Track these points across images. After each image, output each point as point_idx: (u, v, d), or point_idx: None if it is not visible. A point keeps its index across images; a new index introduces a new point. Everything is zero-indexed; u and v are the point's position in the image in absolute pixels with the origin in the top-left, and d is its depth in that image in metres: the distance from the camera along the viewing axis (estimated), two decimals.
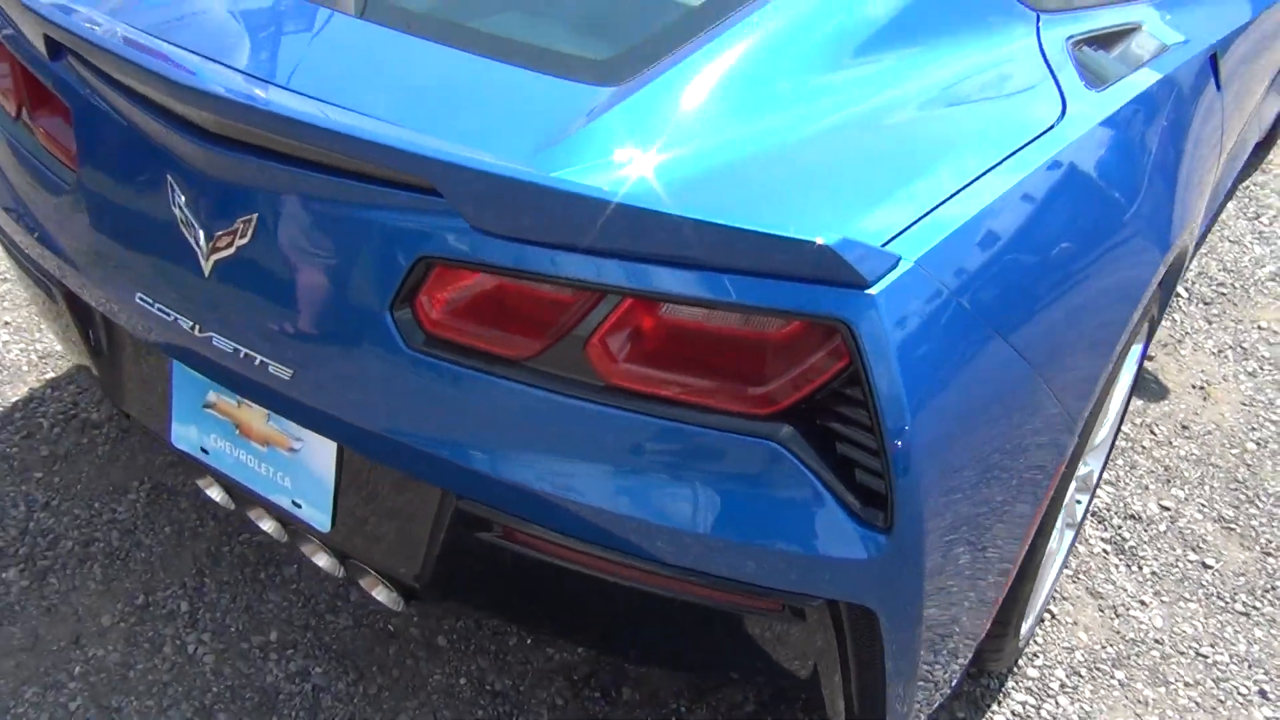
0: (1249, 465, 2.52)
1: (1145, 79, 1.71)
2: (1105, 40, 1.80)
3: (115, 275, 1.54)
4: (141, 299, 1.50)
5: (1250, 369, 2.85)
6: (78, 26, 1.39)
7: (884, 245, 1.16)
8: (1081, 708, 1.92)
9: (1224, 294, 3.15)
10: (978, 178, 1.32)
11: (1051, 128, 1.45)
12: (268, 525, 1.76)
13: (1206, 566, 2.24)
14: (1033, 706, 1.92)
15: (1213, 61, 1.99)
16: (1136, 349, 1.96)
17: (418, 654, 1.93)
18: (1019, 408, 1.34)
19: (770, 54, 1.45)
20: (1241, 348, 2.93)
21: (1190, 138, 1.85)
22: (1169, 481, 2.45)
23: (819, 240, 1.09)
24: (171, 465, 2.27)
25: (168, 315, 1.48)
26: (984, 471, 1.30)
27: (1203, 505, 2.39)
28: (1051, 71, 1.62)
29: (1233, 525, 2.35)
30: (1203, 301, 3.11)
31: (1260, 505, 2.40)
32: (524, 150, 1.27)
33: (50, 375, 2.49)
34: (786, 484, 1.20)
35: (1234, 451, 2.55)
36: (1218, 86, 2.02)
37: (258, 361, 1.40)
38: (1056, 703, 1.93)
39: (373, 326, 1.30)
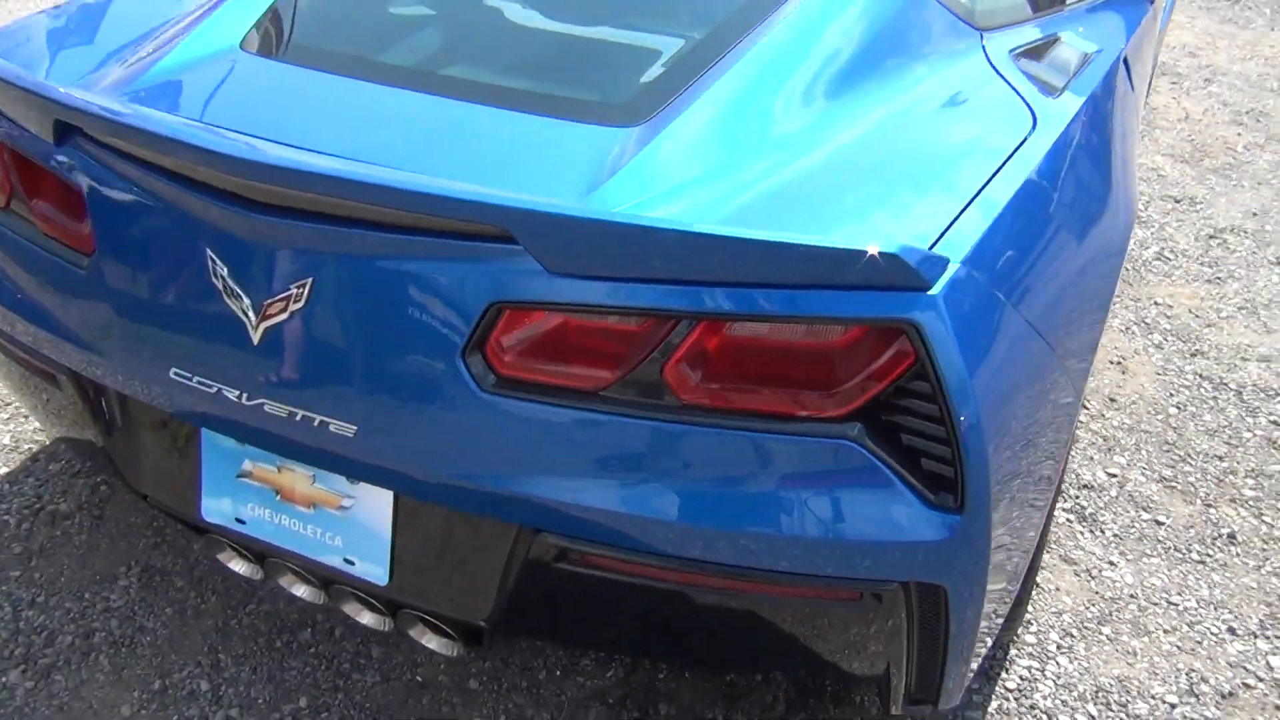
0: (1175, 428, 2.74)
1: (1086, 84, 1.88)
2: (1037, 52, 1.98)
3: (143, 353, 1.52)
4: (177, 374, 1.50)
5: (1156, 341, 3.09)
6: (111, 111, 1.39)
7: (936, 246, 1.27)
8: (1080, 665, 2.06)
9: (1124, 277, 3.41)
10: (987, 183, 1.44)
11: (1032, 132, 1.60)
12: (301, 590, 1.76)
13: (1159, 523, 2.43)
14: (1037, 669, 2.05)
15: (1125, 63, 2.20)
16: None
17: (452, 700, 1.94)
18: (1044, 384, 1.46)
19: (770, 86, 1.56)
20: (1145, 323, 3.18)
21: (1126, 130, 2.04)
22: (1110, 450, 2.65)
23: (874, 250, 1.18)
24: (157, 546, 2.22)
25: (209, 386, 1.48)
26: (1025, 445, 1.41)
27: (1144, 469, 2.59)
28: (1008, 82, 1.77)
29: (1173, 484, 2.55)
30: None
31: (1193, 463, 2.61)
32: (576, 193, 1.34)
33: (3, 470, 2.40)
34: (863, 478, 1.29)
35: (1159, 417, 2.77)
36: (1130, 86, 2.22)
37: (316, 422, 1.42)
38: (1057, 663, 2.07)
39: (444, 374, 1.33)
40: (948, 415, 1.25)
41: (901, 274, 1.21)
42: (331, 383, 1.39)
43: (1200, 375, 2.95)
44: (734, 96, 1.52)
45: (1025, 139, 1.56)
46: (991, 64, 1.83)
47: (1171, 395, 2.86)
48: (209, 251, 1.42)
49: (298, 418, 1.43)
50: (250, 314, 1.41)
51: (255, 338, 1.41)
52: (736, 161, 1.44)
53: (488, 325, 1.32)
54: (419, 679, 1.98)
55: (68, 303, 1.59)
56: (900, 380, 1.26)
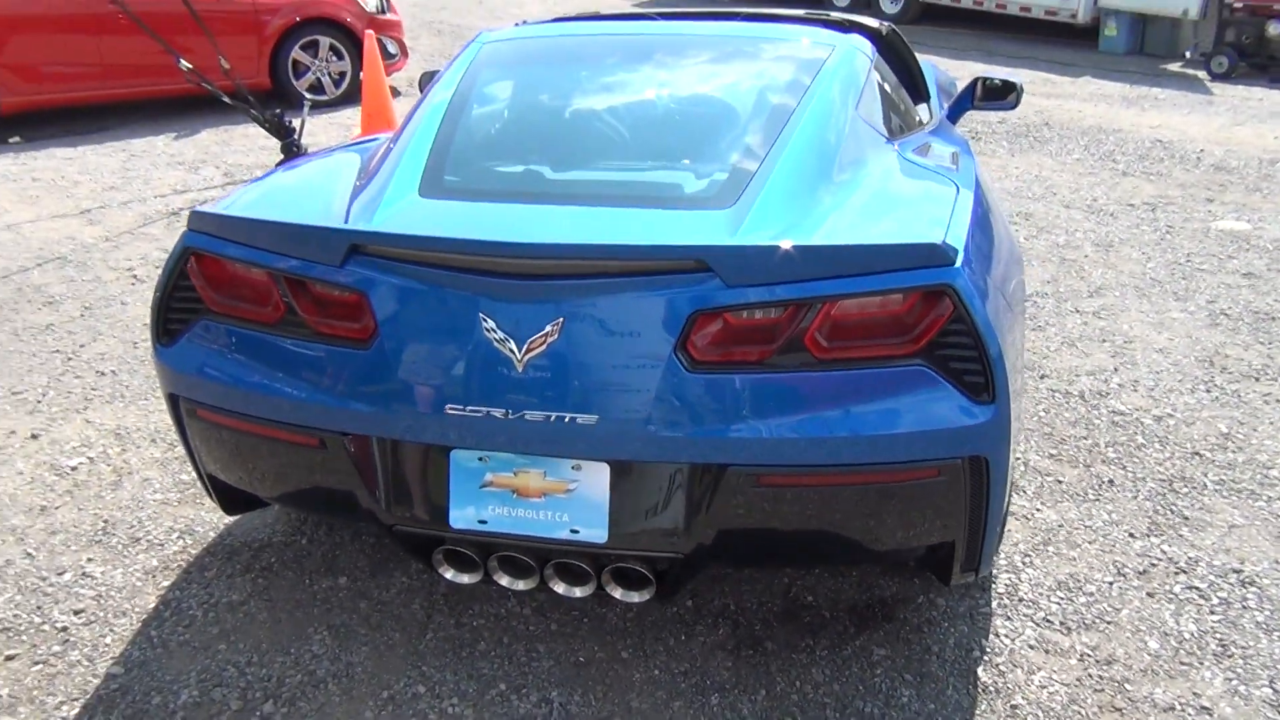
0: (1047, 424, 3.66)
1: (971, 166, 2.84)
2: (924, 150, 2.93)
3: (422, 400, 2.15)
4: (452, 409, 2.13)
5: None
6: (406, 236, 2.09)
7: (947, 241, 2.11)
8: (1041, 571, 2.86)
9: None
10: (952, 210, 2.31)
11: (959, 191, 2.49)
12: (514, 583, 2.34)
13: (1060, 482, 3.31)
14: (1015, 579, 2.83)
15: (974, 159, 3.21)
16: None
17: (613, 667, 2.53)
18: (1013, 325, 2.31)
19: (802, 173, 2.42)
20: None
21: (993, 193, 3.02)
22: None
23: (920, 240, 2.01)
24: (329, 612, 2.71)
25: (479, 413, 2.12)
26: (1014, 359, 2.24)
27: (1036, 452, 3.48)
28: (926, 168, 2.70)
29: (1059, 458, 3.45)
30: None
31: (1068, 444, 3.54)
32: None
33: (173, 578, 2.83)
34: (931, 389, 2.08)
35: (1033, 420, 3.70)
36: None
37: (567, 419, 2.09)
38: (1026, 573, 2.86)
39: (663, 364, 2.05)
40: (979, 342, 2.06)
41: (937, 255, 2.03)
42: (580, 387, 2.07)
43: (1051, 390, 3.93)
44: (781, 184, 2.37)
45: (958, 193, 2.46)
46: (905, 158, 2.76)
47: (1037, 404, 3.81)
48: (480, 314, 2.09)
49: (551, 419, 2.09)
50: (515, 351, 2.08)
51: (520, 367, 2.08)
52: (800, 214, 2.27)
53: (689, 326, 2.05)
54: (581, 659, 2.56)
55: (346, 378, 2.20)
56: (947, 324, 2.07)
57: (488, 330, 2.09)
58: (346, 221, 2.34)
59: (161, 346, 2.43)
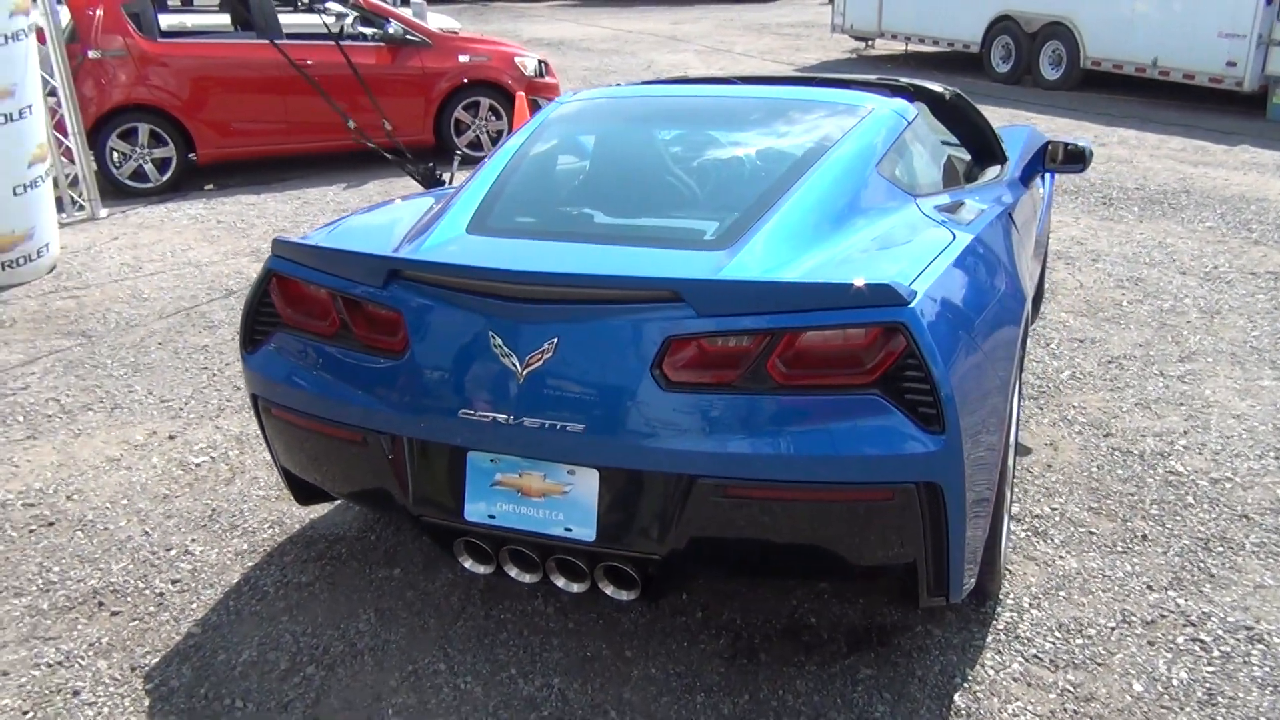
0: (1096, 479, 3.71)
1: (986, 220, 3.01)
2: (952, 208, 3.11)
3: (441, 405, 2.49)
4: (465, 414, 2.46)
5: (1077, 430, 4.11)
6: (438, 264, 2.45)
7: (910, 284, 2.32)
8: (1045, 612, 2.95)
9: (1045, 391, 4.48)
10: (932, 260, 2.51)
11: (953, 240, 2.69)
12: (521, 575, 2.64)
13: (1092, 534, 3.37)
14: (1017, 617, 2.94)
15: (1010, 216, 3.35)
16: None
17: (615, 663, 2.79)
18: (978, 363, 2.47)
19: (804, 219, 2.65)
20: (1066, 420, 4.21)
21: (1011, 248, 3.15)
22: (1051, 495, 3.61)
23: (871, 283, 2.23)
24: (381, 597, 3.07)
25: (487, 418, 2.44)
26: (976, 394, 2.41)
27: (1077, 504, 3.55)
28: (936, 220, 2.89)
29: (1099, 511, 3.51)
30: (1031, 398, 4.41)
31: (1112, 499, 3.58)
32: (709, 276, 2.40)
33: (255, 560, 3.26)
34: (883, 417, 2.28)
35: (1084, 474, 3.75)
36: (1015, 227, 3.37)
37: (559, 426, 2.38)
38: (1031, 613, 2.96)
39: (641, 382, 2.32)
40: (929, 374, 2.25)
41: (892, 295, 2.24)
42: (569, 398, 2.37)
43: (1112, 448, 3.96)
44: (777, 230, 2.62)
45: (951, 241, 2.65)
46: (923, 212, 2.96)
47: (1092, 460, 3.86)
48: (490, 331, 2.42)
49: (544, 425, 2.39)
50: (517, 364, 2.40)
51: (520, 378, 2.40)
52: (787, 257, 2.52)
53: (663, 351, 2.32)
54: (588, 654, 2.83)
55: (384, 384, 2.57)
56: (900, 359, 2.27)
57: (495, 346, 2.42)
58: (396, 252, 2.73)
59: (247, 354, 2.87)
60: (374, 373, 2.60)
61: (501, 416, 2.43)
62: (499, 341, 2.42)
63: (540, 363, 2.39)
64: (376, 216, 3.24)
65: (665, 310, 2.32)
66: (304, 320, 2.75)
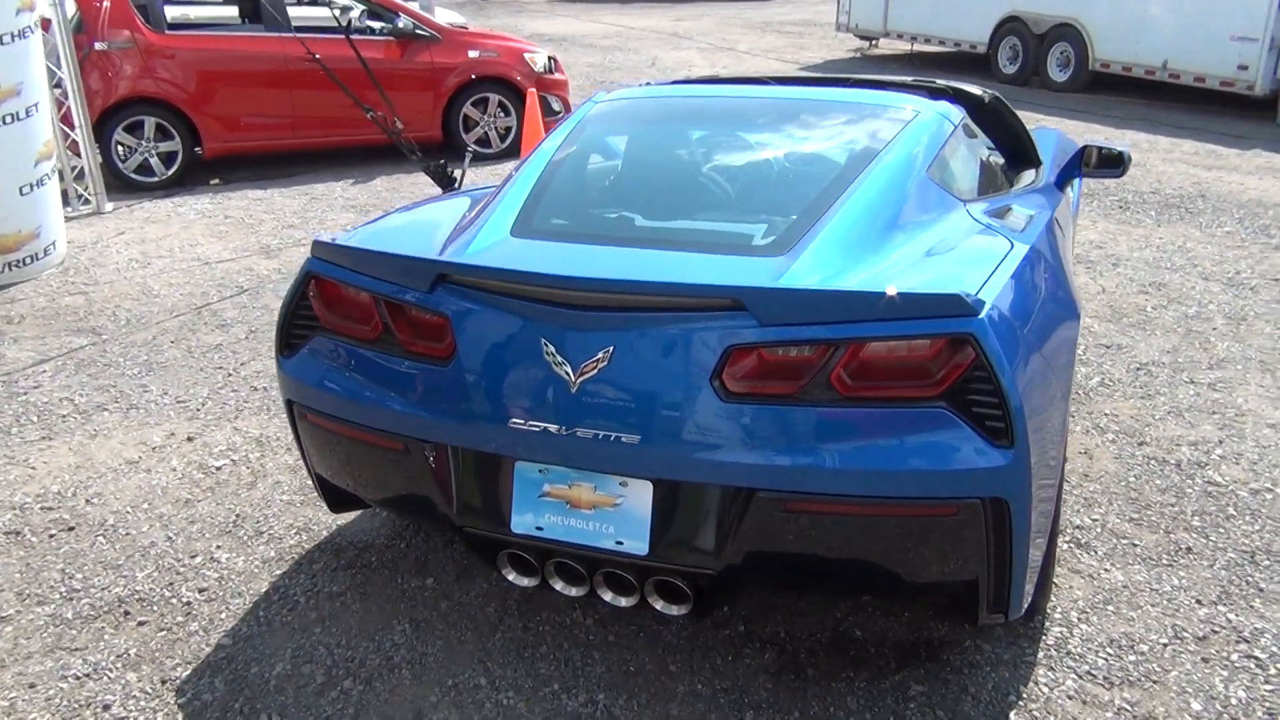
0: (1135, 489, 3.66)
1: (1038, 227, 2.94)
2: (1001, 213, 3.05)
3: (489, 413, 2.41)
4: (514, 423, 2.39)
5: (1110, 438, 4.06)
6: (488, 268, 2.38)
7: (977, 294, 2.25)
8: (1095, 627, 2.89)
9: (1076, 399, 4.42)
10: (995, 268, 2.44)
11: (1012, 247, 2.62)
12: (567, 589, 2.56)
13: (1135, 545, 3.31)
14: (1067, 632, 2.88)
15: (1057, 220, 3.29)
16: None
17: (660, 678, 2.72)
18: (1044, 374, 2.41)
19: (858, 227, 2.58)
20: (1099, 427, 4.16)
21: (1060, 252, 3.09)
22: (1091, 505, 3.55)
23: (948, 291, 2.16)
24: (415, 607, 3.00)
25: (536, 427, 2.37)
26: (1043, 407, 2.34)
27: (1118, 515, 3.49)
28: (989, 227, 2.82)
29: (1140, 522, 3.45)
30: None
31: (1152, 510, 3.52)
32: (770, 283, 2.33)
33: (284, 569, 3.18)
34: (950, 430, 2.21)
35: (1122, 484, 3.70)
36: (1062, 231, 3.31)
37: (613, 437, 2.31)
38: (1080, 628, 2.89)
39: (700, 393, 2.25)
40: (999, 388, 2.18)
41: (963, 305, 2.17)
42: (624, 408, 2.30)
43: (1148, 458, 3.90)
44: (833, 236, 2.55)
45: (1010, 249, 2.59)
46: (973, 217, 2.89)
47: (1129, 470, 3.80)
48: (542, 339, 2.35)
49: (599, 436, 2.32)
50: (570, 373, 2.32)
51: (574, 388, 2.32)
52: (846, 264, 2.45)
53: (724, 360, 2.25)
54: (632, 668, 2.76)
55: (428, 391, 2.49)
56: (968, 370, 2.20)
57: (548, 354, 2.35)
58: (441, 255, 2.65)
59: (283, 358, 2.79)
60: (418, 379, 2.52)
61: (553, 427, 2.36)
62: (551, 349, 2.35)
63: (595, 371, 2.32)
64: (413, 217, 3.16)
65: (726, 319, 2.25)
66: (344, 324, 2.67)
